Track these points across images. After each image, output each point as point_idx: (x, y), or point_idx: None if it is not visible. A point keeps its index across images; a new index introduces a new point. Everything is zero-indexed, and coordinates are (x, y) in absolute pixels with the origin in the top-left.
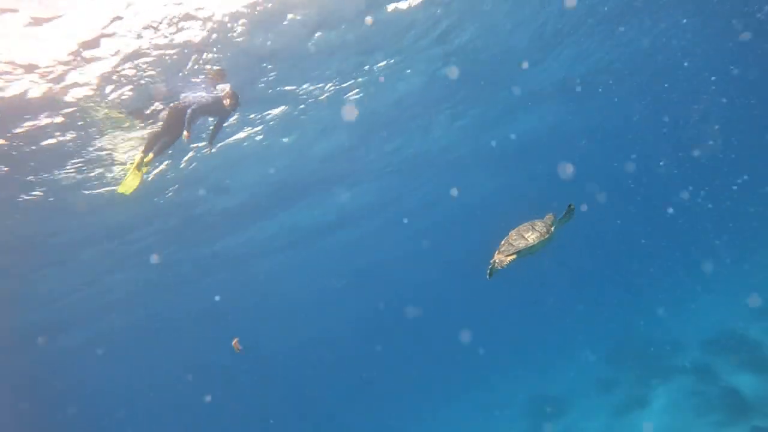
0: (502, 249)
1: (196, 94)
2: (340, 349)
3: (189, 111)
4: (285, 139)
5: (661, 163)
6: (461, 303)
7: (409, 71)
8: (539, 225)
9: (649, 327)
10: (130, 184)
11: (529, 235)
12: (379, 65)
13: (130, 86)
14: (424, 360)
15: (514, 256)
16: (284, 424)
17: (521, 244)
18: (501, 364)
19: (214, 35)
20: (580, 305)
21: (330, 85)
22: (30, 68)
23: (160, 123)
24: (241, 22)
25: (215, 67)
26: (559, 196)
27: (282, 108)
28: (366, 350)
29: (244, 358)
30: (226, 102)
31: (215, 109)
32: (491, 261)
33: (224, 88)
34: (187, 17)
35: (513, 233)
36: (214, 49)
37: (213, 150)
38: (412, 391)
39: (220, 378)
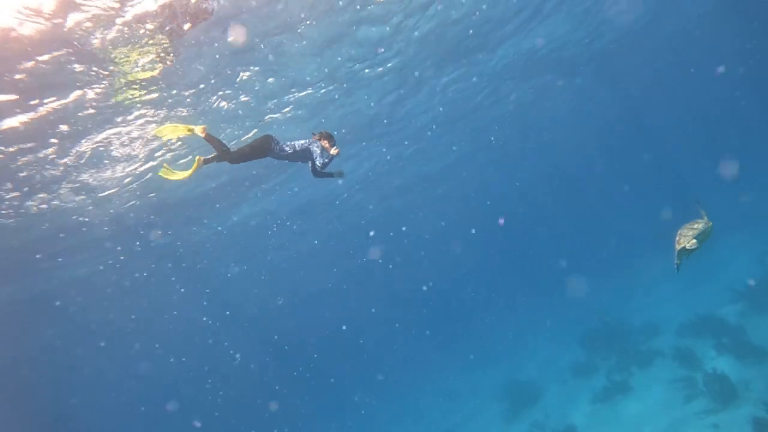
0: (682, 240)
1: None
2: (316, 333)
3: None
4: None
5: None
6: (435, 290)
7: None
8: (698, 221)
9: (623, 311)
10: (176, 175)
11: (695, 225)
12: None
13: None
14: (399, 346)
15: (695, 241)
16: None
17: (693, 232)
18: (476, 349)
19: None
20: (553, 289)
21: None
22: None
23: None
24: None
25: (324, 131)
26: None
27: None
28: (341, 335)
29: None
30: (325, 143)
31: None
32: (678, 252)
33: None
34: None
35: (681, 232)
36: None
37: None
38: (387, 377)
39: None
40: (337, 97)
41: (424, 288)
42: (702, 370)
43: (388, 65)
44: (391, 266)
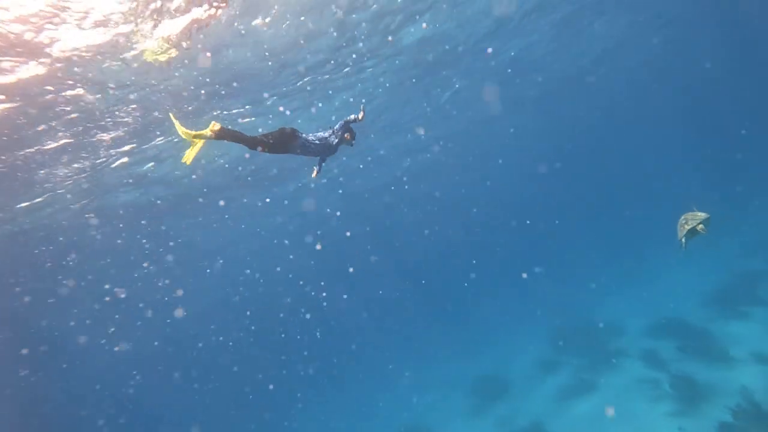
0: (688, 226)
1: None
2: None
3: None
4: None
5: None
6: (405, 285)
7: None
8: (698, 213)
9: (592, 311)
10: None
11: (697, 215)
12: None
13: None
14: (368, 341)
15: (702, 226)
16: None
17: (700, 217)
18: (444, 345)
19: None
20: (522, 288)
21: None
22: None
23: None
24: None
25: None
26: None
27: None
28: (307, 329)
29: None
30: (347, 136)
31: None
32: (686, 232)
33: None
34: None
35: (686, 216)
36: None
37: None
38: (354, 372)
39: None
40: None
41: (396, 280)
42: (668, 372)
43: None
44: (363, 258)
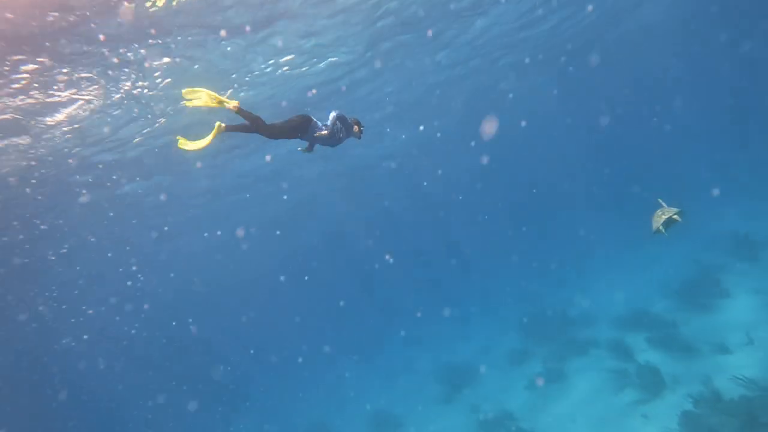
0: (665, 216)
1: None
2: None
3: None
4: None
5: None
6: (372, 272)
7: None
8: (669, 208)
9: (560, 300)
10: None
11: (670, 208)
12: None
13: None
14: (339, 328)
15: (677, 217)
16: None
17: (674, 210)
18: (413, 333)
19: None
20: (492, 279)
21: None
22: None
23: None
24: None
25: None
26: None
27: None
28: (282, 315)
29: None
30: (356, 129)
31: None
32: (664, 221)
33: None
34: None
35: (661, 210)
36: None
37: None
38: (325, 359)
39: None
40: None
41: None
42: (634, 362)
43: None
44: (333, 245)
